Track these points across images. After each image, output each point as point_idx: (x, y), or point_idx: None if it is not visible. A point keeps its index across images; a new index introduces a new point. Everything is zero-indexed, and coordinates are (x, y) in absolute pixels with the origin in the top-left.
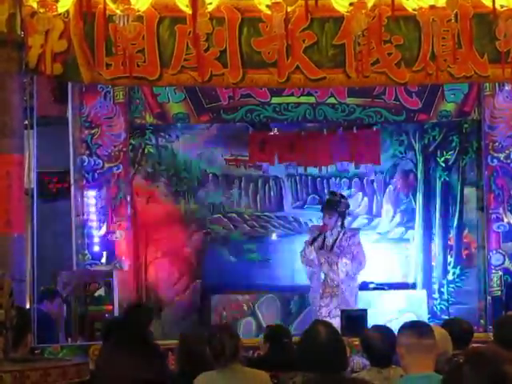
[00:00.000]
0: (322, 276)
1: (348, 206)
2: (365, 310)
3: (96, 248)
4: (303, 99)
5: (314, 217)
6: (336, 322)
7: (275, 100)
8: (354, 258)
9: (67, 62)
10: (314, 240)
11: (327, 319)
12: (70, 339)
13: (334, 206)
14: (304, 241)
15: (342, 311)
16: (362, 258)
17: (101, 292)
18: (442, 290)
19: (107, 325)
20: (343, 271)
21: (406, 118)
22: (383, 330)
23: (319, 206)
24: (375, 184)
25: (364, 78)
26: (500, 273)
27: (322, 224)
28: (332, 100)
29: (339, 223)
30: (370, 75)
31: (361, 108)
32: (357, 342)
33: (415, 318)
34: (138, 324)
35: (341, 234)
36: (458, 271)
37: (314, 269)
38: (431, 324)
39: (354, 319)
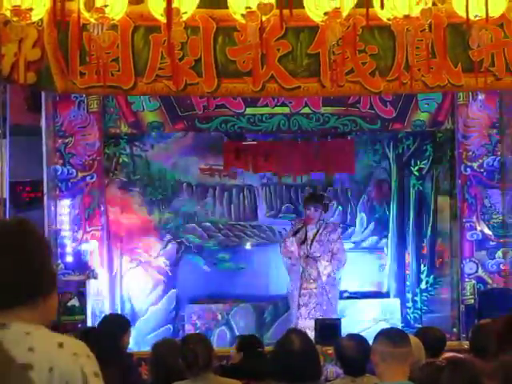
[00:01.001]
0: (300, 269)
1: (330, 200)
2: (339, 319)
3: (69, 258)
4: (278, 110)
5: (288, 226)
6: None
7: (250, 111)
8: (333, 256)
9: (41, 70)
10: (296, 232)
11: (307, 321)
12: None
13: (319, 197)
14: (284, 228)
15: (316, 320)
16: (342, 255)
17: (74, 302)
18: (415, 298)
19: (80, 336)
20: (325, 274)
21: (380, 126)
22: (357, 338)
23: (294, 215)
24: (349, 193)
25: (338, 87)
26: (473, 281)
27: (306, 217)
28: (306, 110)
29: (322, 216)
30: (345, 84)
31: (335, 117)
32: (330, 351)
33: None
34: (112, 335)
35: (321, 228)
36: (431, 280)
37: (293, 261)
38: None
39: (328, 328)
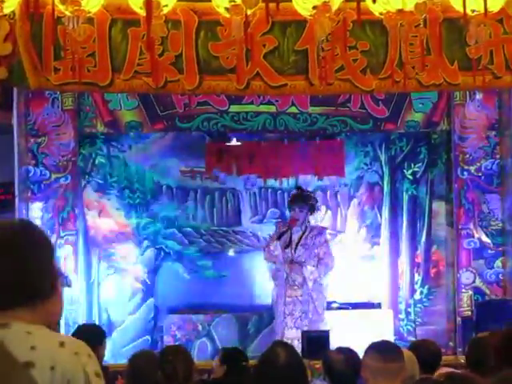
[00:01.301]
0: (285, 275)
1: (317, 200)
2: (327, 332)
3: None
4: (263, 108)
5: (273, 231)
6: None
7: (234, 108)
8: (319, 261)
9: (12, 65)
10: (280, 235)
11: (293, 331)
12: None
13: (305, 198)
14: (268, 234)
15: (303, 332)
16: (330, 259)
17: None
18: (408, 310)
19: None
20: (311, 279)
21: (372, 127)
22: (347, 352)
23: (279, 220)
24: (339, 197)
25: (327, 85)
26: (470, 292)
27: (290, 219)
28: (293, 109)
29: (307, 218)
30: (334, 82)
31: (324, 117)
32: (318, 365)
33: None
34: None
35: (307, 231)
36: (425, 290)
37: (278, 266)
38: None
39: (316, 341)
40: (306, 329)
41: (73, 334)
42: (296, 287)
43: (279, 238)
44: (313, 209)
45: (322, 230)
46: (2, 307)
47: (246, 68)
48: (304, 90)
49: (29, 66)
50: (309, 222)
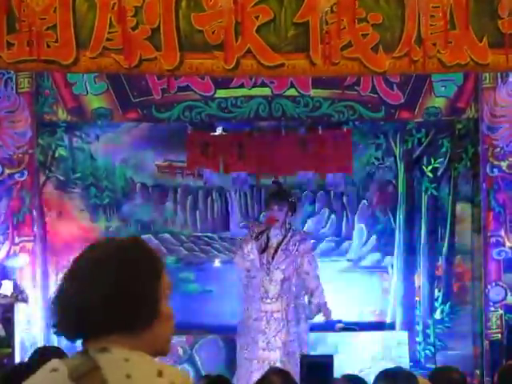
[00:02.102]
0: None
1: (298, 199)
2: (330, 357)
3: None
4: (256, 91)
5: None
6: (275, 356)
7: (221, 93)
8: (304, 274)
9: None
10: (257, 236)
11: (265, 352)
12: None
13: (284, 195)
14: (241, 238)
15: (302, 357)
16: (314, 271)
17: None
18: (427, 331)
19: (8, 375)
20: (291, 293)
21: (384, 115)
22: (355, 381)
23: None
24: (345, 199)
25: (332, 65)
26: (500, 311)
27: (268, 218)
28: (292, 92)
29: (288, 219)
30: (340, 62)
31: (329, 102)
32: None
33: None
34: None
35: (288, 236)
36: (447, 309)
37: (253, 273)
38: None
39: (317, 367)
40: (281, 351)
41: (29, 358)
42: (269, 300)
43: (256, 238)
44: (293, 208)
45: (306, 237)
46: (103, 331)
47: (235, 44)
48: (304, 70)
49: None
50: (290, 224)
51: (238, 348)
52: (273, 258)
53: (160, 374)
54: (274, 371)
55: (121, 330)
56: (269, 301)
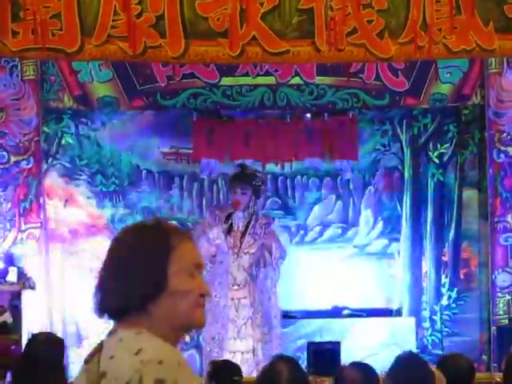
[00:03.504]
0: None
1: (264, 182)
2: (337, 343)
3: (0, 263)
4: (261, 80)
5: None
6: (248, 345)
7: (226, 81)
8: (270, 256)
9: None
10: (224, 220)
11: (237, 342)
12: None
13: (248, 177)
14: (199, 222)
15: (309, 344)
16: (281, 252)
17: (6, 318)
18: (434, 317)
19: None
20: (260, 278)
21: (389, 102)
22: (363, 368)
23: (281, 212)
24: (351, 185)
25: (337, 51)
26: (507, 297)
27: (232, 201)
28: (297, 80)
29: (252, 203)
30: (345, 48)
31: (333, 89)
32: (326, 382)
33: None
34: (47, 361)
35: (253, 220)
36: (454, 294)
37: (220, 257)
38: None
39: (324, 354)
40: (253, 340)
41: (26, 347)
42: (237, 287)
43: (226, 220)
44: (258, 192)
45: (270, 221)
46: (119, 313)
47: (240, 31)
48: (309, 57)
49: None
50: (255, 208)
51: (205, 338)
52: (241, 242)
53: (138, 351)
54: (280, 358)
55: (130, 309)
56: (236, 287)
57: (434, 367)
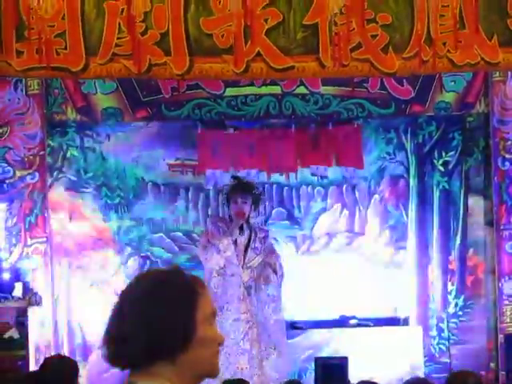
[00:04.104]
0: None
1: (262, 193)
2: (345, 358)
3: (6, 277)
4: (266, 90)
5: (279, 235)
6: (244, 360)
7: (230, 92)
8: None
9: None
10: (239, 229)
11: (231, 357)
12: None
13: (248, 187)
14: (206, 233)
15: (317, 360)
16: (281, 270)
17: (12, 334)
18: (441, 325)
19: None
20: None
21: (395, 110)
22: None
23: (286, 222)
24: (357, 193)
25: (342, 67)
26: None
27: (236, 212)
28: (302, 90)
29: (251, 213)
30: (350, 63)
31: (338, 99)
32: None
33: (408, 362)
34: (64, 379)
35: (253, 233)
36: (461, 302)
37: (229, 271)
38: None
39: (332, 369)
40: (248, 356)
41: (41, 367)
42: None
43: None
44: (257, 201)
45: (267, 233)
46: (141, 362)
47: (244, 48)
48: (314, 72)
49: None
50: (254, 220)
51: None
52: (244, 256)
53: None
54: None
55: (157, 359)
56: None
57: None
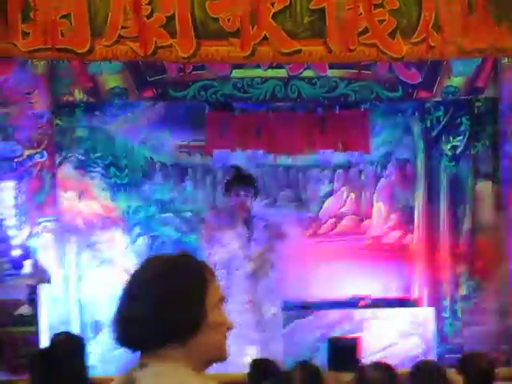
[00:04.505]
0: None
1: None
2: (357, 339)
3: (16, 255)
4: (272, 73)
5: (287, 217)
6: (251, 352)
7: (236, 74)
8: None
9: None
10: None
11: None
12: None
13: (250, 179)
14: (207, 226)
15: (329, 340)
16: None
17: (23, 310)
18: (453, 307)
19: (33, 358)
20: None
21: (402, 94)
22: (385, 369)
23: (294, 204)
24: (364, 177)
25: (349, 51)
26: None
27: (238, 205)
28: (308, 73)
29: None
30: (357, 48)
31: (345, 82)
32: (347, 378)
33: (420, 343)
34: (68, 358)
35: (252, 224)
36: (472, 284)
37: (234, 264)
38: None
39: (344, 350)
40: (259, 345)
41: (50, 345)
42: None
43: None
44: (257, 194)
45: (267, 221)
46: (151, 345)
47: (251, 31)
48: (321, 57)
49: None
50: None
51: None
52: (247, 248)
53: None
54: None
55: (168, 342)
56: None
57: (452, 371)
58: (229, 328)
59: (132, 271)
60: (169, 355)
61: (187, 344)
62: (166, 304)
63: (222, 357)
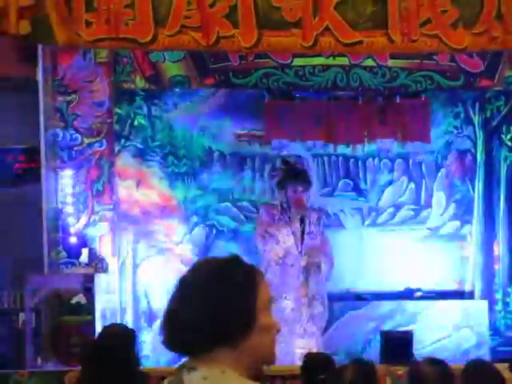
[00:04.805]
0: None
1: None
2: (410, 332)
3: (73, 243)
4: (333, 61)
5: (346, 206)
6: (313, 343)
7: (298, 62)
8: (325, 256)
9: (37, 18)
10: (301, 219)
11: (304, 340)
12: (39, 359)
13: (306, 174)
14: (259, 221)
15: (382, 333)
16: (332, 256)
17: (79, 299)
18: (507, 300)
19: (86, 348)
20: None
21: (464, 83)
22: (440, 365)
23: (353, 193)
24: (424, 167)
25: (411, 42)
26: None
27: (295, 201)
28: (370, 62)
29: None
30: (419, 39)
31: (406, 72)
32: (400, 372)
33: (473, 336)
34: (119, 351)
35: (306, 218)
36: None
37: (288, 261)
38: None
39: (397, 343)
40: (314, 338)
41: (100, 335)
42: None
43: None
44: (311, 187)
45: (321, 214)
46: (201, 348)
47: (313, 21)
48: (383, 47)
49: (56, 19)
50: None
51: None
52: (301, 242)
53: None
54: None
55: (217, 345)
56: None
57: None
58: (278, 330)
59: (181, 275)
60: (217, 359)
61: (238, 347)
62: (218, 306)
63: (271, 359)
